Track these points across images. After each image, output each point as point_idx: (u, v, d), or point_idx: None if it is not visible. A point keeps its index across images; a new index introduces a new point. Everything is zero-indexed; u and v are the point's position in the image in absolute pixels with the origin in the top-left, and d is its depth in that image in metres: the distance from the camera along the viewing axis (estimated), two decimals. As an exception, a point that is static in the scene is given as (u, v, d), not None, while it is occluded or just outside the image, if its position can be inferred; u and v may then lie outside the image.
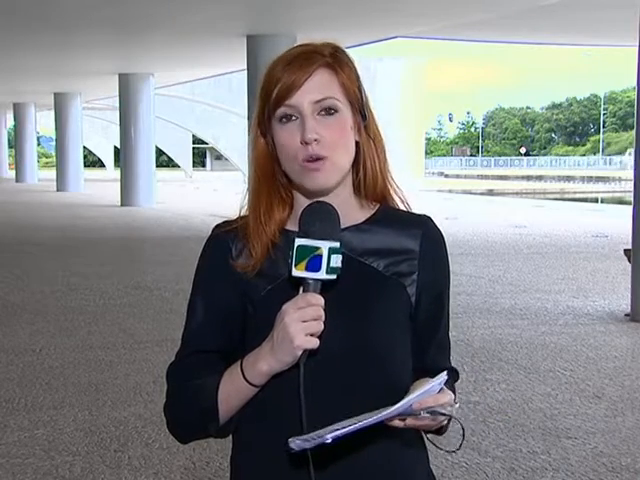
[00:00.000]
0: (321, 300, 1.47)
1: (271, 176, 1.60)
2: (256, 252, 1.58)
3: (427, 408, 1.42)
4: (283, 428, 1.53)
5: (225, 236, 1.63)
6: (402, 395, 1.46)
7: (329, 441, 1.39)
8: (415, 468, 1.64)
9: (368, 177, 1.61)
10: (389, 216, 1.63)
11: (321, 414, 1.51)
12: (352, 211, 1.61)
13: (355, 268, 1.56)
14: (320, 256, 1.46)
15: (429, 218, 1.66)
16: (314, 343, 1.47)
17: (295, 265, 1.47)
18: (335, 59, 1.56)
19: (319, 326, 1.47)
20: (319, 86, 1.53)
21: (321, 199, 1.56)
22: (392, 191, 1.66)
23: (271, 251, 1.59)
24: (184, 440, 1.67)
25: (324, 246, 1.46)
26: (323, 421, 1.50)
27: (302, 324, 1.46)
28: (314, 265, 1.46)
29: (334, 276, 1.48)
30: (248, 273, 1.59)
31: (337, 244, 1.48)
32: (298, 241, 1.47)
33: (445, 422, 1.54)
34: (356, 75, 1.59)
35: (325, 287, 1.49)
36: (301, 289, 1.49)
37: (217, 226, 1.66)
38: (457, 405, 1.46)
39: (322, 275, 1.47)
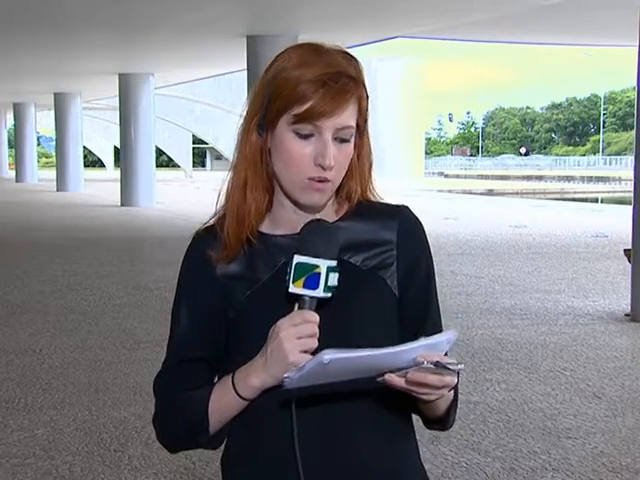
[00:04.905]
0: (317, 317, 1.47)
1: (258, 169, 1.58)
2: (230, 241, 1.58)
3: (433, 361, 1.39)
4: (276, 441, 1.54)
5: (204, 241, 1.62)
6: (392, 392, 1.44)
7: (326, 362, 1.37)
8: (404, 464, 1.61)
9: (350, 190, 1.61)
10: (365, 210, 1.62)
11: (310, 423, 1.51)
12: (329, 211, 1.61)
13: None
14: (318, 274, 1.47)
15: (406, 207, 1.64)
16: (309, 360, 1.46)
17: (293, 282, 1.48)
18: (360, 85, 1.55)
19: (314, 343, 1.46)
20: (347, 117, 1.52)
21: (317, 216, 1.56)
22: (372, 198, 1.65)
23: (246, 248, 1.59)
24: (174, 450, 1.68)
25: (323, 265, 1.47)
26: (314, 428, 1.51)
27: (297, 341, 1.45)
28: (312, 283, 1.47)
29: (330, 294, 1.49)
30: (222, 265, 1.58)
31: (335, 263, 1.49)
32: (297, 258, 1.48)
33: (447, 393, 1.49)
34: (367, 95, 1.58)
35: (320, 304, 1.49)
36: (296, 305, 1.49)
37: (197, 233, 1.65)
38: (462, 366, 1.42)
39: (319, 293, 1.47)
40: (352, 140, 1.55)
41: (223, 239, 1.59)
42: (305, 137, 1.51)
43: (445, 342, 1.42)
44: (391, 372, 1.40)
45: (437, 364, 1.39)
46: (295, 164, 1.52)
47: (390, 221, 1.61)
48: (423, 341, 1.40)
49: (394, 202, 1.68)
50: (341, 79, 1.51)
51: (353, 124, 1.54)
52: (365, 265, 1.59)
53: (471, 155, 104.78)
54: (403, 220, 1.62)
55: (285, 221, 1.59)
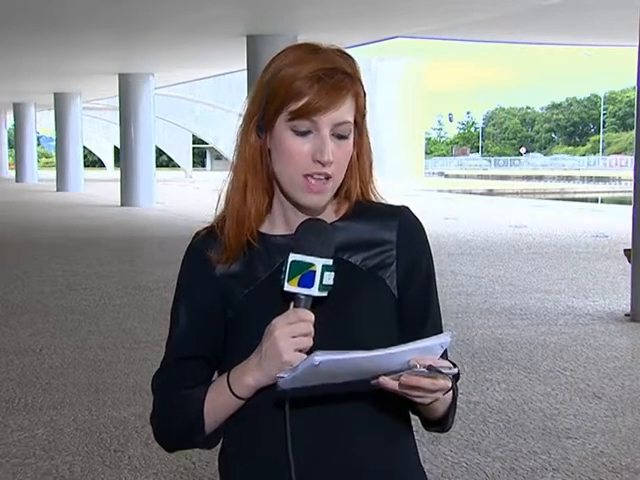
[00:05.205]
0: (312, 316, 1.47)
1: (258, 170, 1.58)
2: (230, 243, 1.58)
3: (426, 365, 1.38)
4: (272, 440, 1.53)
5: (204, 241, 1.62)
6: (388, 393, 1.44)
7: (317, 363, 1.36)
8: (403, 464, 1.61)
9: (350, 190, 1.61)
10: (364, 210, 1.62)
11: (307, 423, 1.51)
12: (328, 210, 1.60)
13: None
14: (314, 273, 1.47)
15: (406, 208, 1.64)
16: (302, 359, 1.45)
17: (288, 280, 1.48)
18: (356, 80, 1.55)
19: (309, 342, 1.46)
20: (343, 112, 1.52)
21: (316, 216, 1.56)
22: (373, 199, 1.65)
23: (245, 250, 1.59)
24: (170, 449, 1.68)
25: (318, 263, 1.47)
26: (311, 428, 1.51)
27: (292, 340, 1.45)
28: (307, 281, 1.47)
29: (325, 293, 1.48)
30: (222, 266, 1.58)
31: (330, 262, 1.48)
32: (292, 256, 1.48)
33: (443, 397, 1.47)
34: (364, 93, 1.58)
35: (315, 303, 1.49)
36: (292, 304, 1.49)
37: (197, 233, 1.65)
38: (456, 370, 1.42)
39: (314, 292, 1.47)
40: (351, 137, 1.55)
41: (223, 242, 1.59)
42: (303, 134, 1.51)
43: (439, 345, 1.41)
44: (385, 375, 1.40)
45: (430, 368, 1.38)
46: (294, 162, 1.52)
47: (390, 221, 1.61)
48: (417, 344, 1.40)
49: (394, 202, 1.68)
50: (336, 75, 1.51)
51: (351, 120, 1.54)
52: (364, 265, 1.59)
53: (478, 154, 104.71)
54: (403, 220, 1.62)
55: (285, 221, 1.59)
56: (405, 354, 1.39)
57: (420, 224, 1.64)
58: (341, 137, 1.53)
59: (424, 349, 1.40)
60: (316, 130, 1.51)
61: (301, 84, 1.50)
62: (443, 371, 1.39)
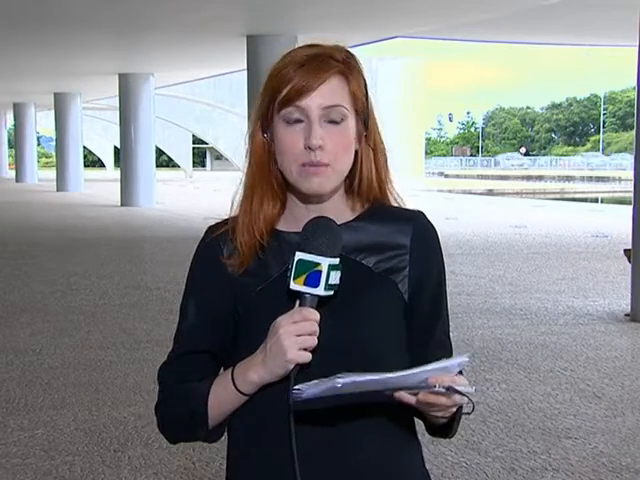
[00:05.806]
0: (317, 315, 1.47)
1: (266, 172, 1.59)
2: (243, 250, 1.58)
3: (444, 384, 1.39)
4: (275, 437, 1.53)
5: (217, 238, 1.62)
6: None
7: (339, 385, 1.37)
8: (409, 468, 1.62)
9: (363, 185, 1.61)
10: (380, 213, 1.62)
11: (311, 421, 1.50)
12: (343, 211, 1.60)
13: (345, 266, 1.54)
14: (319, 272, 1.47)
15: (421, 213, 1.65)
16: (306, 358, 1.46)
17: (294, 279, 1.47)
18: (348, 66, 1.55)
19: (313, 341, 1.47)
20: (331, 93, 1.52)
21: (318, 204, 1.56)
22: (391, 199, 1.65)
23: (259, 251, 1.59)
24: (173, 441, 1.68)
25: (324, 262, 1.47)
26: (313, 428, 1.51)
27: (296, 338, 1.45)
28: (313, 280, 1.47)
29: (331, 292, 1.48)
30: (236, 271, 1.59)
31: (337, 261, 1.48)
32: (298, 255, 1.47)
33: (454, 411, 1.49)
34: (365, 84, 1.58)
35: (321, 302, 1.49)
36: (297, 303, 1.49)
37: (210, 228, 1.66)
38: (474, 389, 1.43)
39: (320, 291, 1.47)
40: (349, 124, 1.55)
41: (235, 244, 1.59)
42: (294, 124, 1.52)
43: (457, 365, 1.43)
44: (401, 389, 1.41)
45: (449, 389, 1.39)
46: (289, 153, 1.53)
47: (404, 225, 1.61)
48: (437, 364, 1.41)
49: (409, 206, 1.68)
50: (322, 59, 1.53)
51: (342, 104, 1.53)
52: (377, 267, 1.59)
53: (471, 155, 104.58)
54: (417, 225, 1.62)
55: (298, 218, 1.59)
56: (424, 373, 1.40)
57: (434, 230, 1.65)
58: (334, 122, 1.53)
59: (442, 369, 1.41)
60: (305, 117, 1.52)
61: (287, 71, 1.52)
62: (462, 391, 1.40)
